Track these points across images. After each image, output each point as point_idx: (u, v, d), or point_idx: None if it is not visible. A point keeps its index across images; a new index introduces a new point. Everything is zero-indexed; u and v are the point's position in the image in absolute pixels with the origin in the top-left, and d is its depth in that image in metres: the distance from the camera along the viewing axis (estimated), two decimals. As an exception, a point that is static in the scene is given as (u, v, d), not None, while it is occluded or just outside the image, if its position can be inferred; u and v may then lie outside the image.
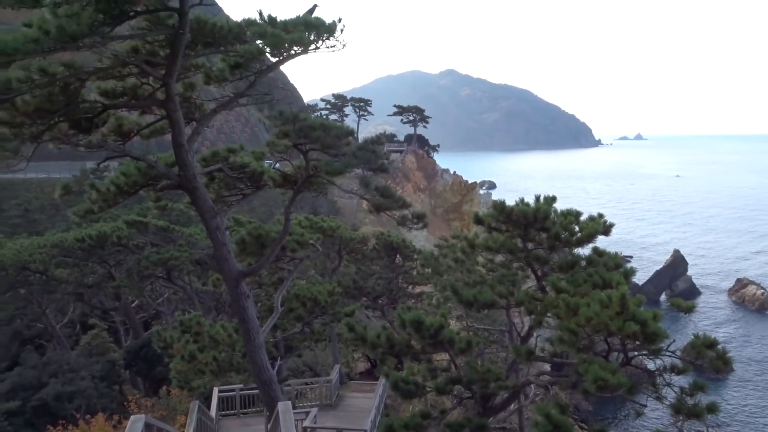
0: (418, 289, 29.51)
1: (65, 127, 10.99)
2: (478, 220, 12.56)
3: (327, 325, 19.23)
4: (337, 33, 10.94)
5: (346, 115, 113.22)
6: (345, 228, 26.23)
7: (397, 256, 28.10)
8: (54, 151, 13.27)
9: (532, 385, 13.31)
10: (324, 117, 70.79)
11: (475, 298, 11.17)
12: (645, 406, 10.43)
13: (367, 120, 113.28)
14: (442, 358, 14.82)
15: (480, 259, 16.79)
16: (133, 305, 35.81)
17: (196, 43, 11.12)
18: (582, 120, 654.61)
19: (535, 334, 13.43)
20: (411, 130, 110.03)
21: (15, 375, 27.12)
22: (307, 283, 23.02)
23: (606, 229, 12.03)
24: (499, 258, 14.90)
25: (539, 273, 12.48)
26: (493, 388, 10.58)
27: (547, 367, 28.43)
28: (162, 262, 28.10)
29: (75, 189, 12.44)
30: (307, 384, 22.77)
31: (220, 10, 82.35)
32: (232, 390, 20.33)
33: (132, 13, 9.61)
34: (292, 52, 11.03)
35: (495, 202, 11.94)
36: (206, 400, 20.03)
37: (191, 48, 11.10)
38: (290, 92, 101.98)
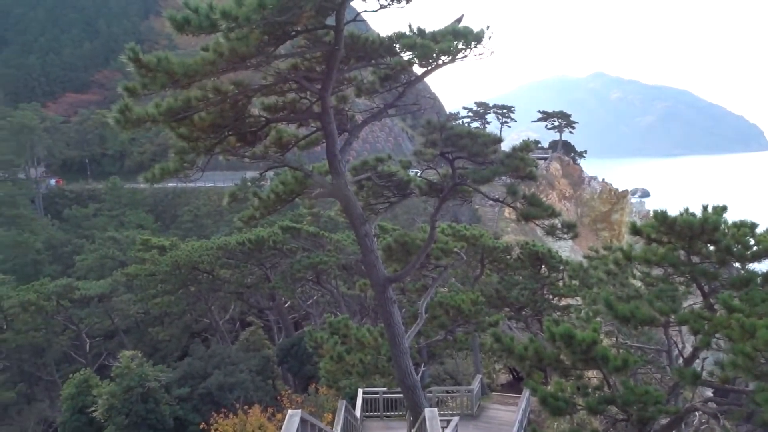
0: (564, 302, 28.27)
1: (233, 140, 12.03)
2: (636, 231, 11.76)
3: (470, 334, 19.05)
4: (485, 40, 10.89)
5: (488, 122, 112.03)
6: (488, 236, 25.90)
7: (542, 266, 27.17)
8: (223, 162, 14.60)
9: (696, 413, 12.17)
10: (466, 125, 70.64)
11: (632, 313, 10.45)
12: (839, 446, 9.10)
13: (509, 127, 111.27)
14: (592, 375, 14.06)
15: (635, 272, 15.71)
16: (285, 305, 38.21)
17: (350, 58, 11.68)
18: (752, 121, 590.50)
19: (700, 357, 12.29)
20: (556, 137, 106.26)
21: (185, 365, 30.13)
22: (448, 291, 23.03)
23: (789, 243, 10.68)
24: (655, 272, 13.86)
25: (706, 289, 11.41)
26: (652, 412, 9.80)
27: (710, 393, 25.82)
28: (312, 266, 29.68)
29: (240, 197, 13.54)
30: (448, 392, 22.75)
31: (367, 25, 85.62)
32: (376, 393, 20.88)
33: (293, 33, 10.32)
34: (440, 61, 11.16)
35: (656, 211, 11.08)
36: (351, 400, 20.77)
37: (345, 62, 11.67)
38: (434, 101, 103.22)
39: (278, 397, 26.10)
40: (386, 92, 13.19)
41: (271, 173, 30.50)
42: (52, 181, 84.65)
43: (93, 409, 25.06)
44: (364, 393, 20.70)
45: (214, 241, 35.85)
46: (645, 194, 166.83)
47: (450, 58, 10.87)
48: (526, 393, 20.66)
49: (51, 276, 46.43)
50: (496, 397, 24.84)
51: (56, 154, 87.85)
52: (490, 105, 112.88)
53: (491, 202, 14.04)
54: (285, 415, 20.79)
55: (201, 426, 23.32)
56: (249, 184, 49.22)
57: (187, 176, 12.06)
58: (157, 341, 40.22)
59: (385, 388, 20.50)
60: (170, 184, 65.23)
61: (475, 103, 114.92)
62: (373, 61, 11.94)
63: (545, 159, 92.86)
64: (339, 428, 14.03)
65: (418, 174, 14.90)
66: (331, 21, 10.53)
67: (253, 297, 38.64)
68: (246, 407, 23.38)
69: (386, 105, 12.75)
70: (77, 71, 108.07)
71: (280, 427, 20.89)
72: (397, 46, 11.36)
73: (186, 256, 33.00)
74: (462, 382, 25.72)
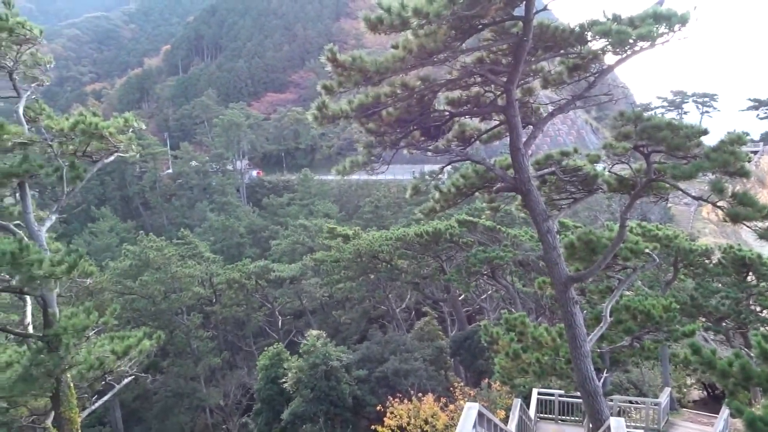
0: (775, 315, 24.82)
1: (418, 134, 12.37)
2: None
3: (659, 342, 17.53)
4: (691, 22, 9.89)
5: (686, 113, 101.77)
6: (683, 238, 23.60)
7: (749, 273, 24.06)
8: (405, 156, 15.07)
9: None
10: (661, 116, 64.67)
11: None
12: None
13: (711, 117, 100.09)
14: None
15: None
16: (459, 298, 38.47)
17: (537, 49, 11.34)
18: None
19: None
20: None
21: (364, 348, 31.79)
22: (634, 294, 21.42)
23: None
24: None
25: None
26: None
27: None
28: (488, 261, 29.47)
29: (422, 190, 13.88)
30: (631, 402, 21.26)
31: (552, 14, 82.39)
32: (551, 394, 20.20)
33: (480, 26, 10.29)
34: (637, 48, 10.37)
35: None
36: (525, 399, 20.33)
37: (531, 54, 11.36)
38: (624, 91, 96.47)
39: (450, 389, 26.41)
40: (574, 83, 12.61)
41: (448, 167, 30.89)
42: (254, 173, 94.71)
43: (283, 380, 27.57)
44: (538, 393, 20.15)
45: (393, 231, 37.24)
46: None
47: (649, 43, 10.04)
48: (725, 413, 18.54)
49: (251, 258, 52.02)
50: (687, 414, 22.66)
51: (258, 148, 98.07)
52: (689, 93, 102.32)
53: (687, 200, 12.71)
54: (457, 407, 21.01)
55: (377, 408, 24.43)
56: (428, 177, 50.21)
57: (374, 169, 12.67)
58: (339, 323, 43.04)
59: (561, 391, 19.76)
60: (353, 177, 68.96)
61: (672, 92, 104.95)
62: (561, 51, 11.45)
63: (755, 153, 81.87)
64: (514, 426, 13.83)
65: (606, 169, 14.03)
66: (518, 12, 10.32)
67: (428, 288, 39.51)
68: (420, 395, 23.99)
69: (575, 96, 12.18)
70: (277, 72, 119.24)
71: (452, 418, 21.18)
72: (589, 33, 10.76)
73: (367, 245, 34.71)
74: (648, 393, 23.86)
